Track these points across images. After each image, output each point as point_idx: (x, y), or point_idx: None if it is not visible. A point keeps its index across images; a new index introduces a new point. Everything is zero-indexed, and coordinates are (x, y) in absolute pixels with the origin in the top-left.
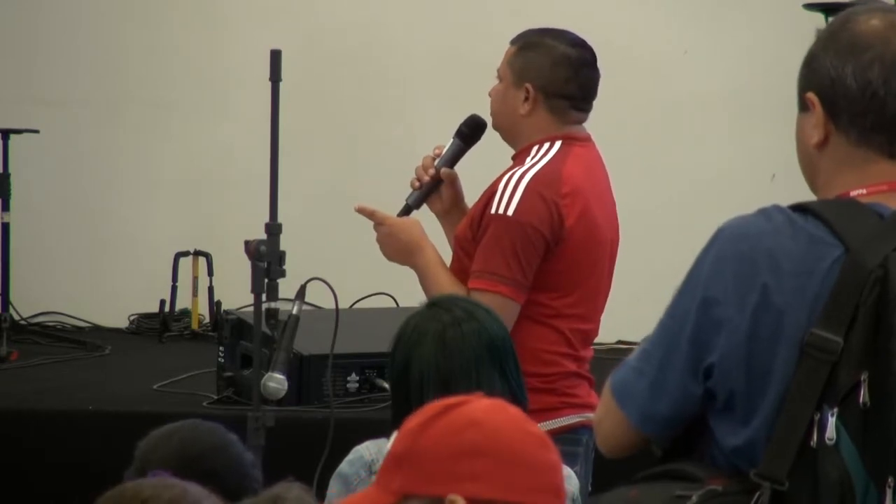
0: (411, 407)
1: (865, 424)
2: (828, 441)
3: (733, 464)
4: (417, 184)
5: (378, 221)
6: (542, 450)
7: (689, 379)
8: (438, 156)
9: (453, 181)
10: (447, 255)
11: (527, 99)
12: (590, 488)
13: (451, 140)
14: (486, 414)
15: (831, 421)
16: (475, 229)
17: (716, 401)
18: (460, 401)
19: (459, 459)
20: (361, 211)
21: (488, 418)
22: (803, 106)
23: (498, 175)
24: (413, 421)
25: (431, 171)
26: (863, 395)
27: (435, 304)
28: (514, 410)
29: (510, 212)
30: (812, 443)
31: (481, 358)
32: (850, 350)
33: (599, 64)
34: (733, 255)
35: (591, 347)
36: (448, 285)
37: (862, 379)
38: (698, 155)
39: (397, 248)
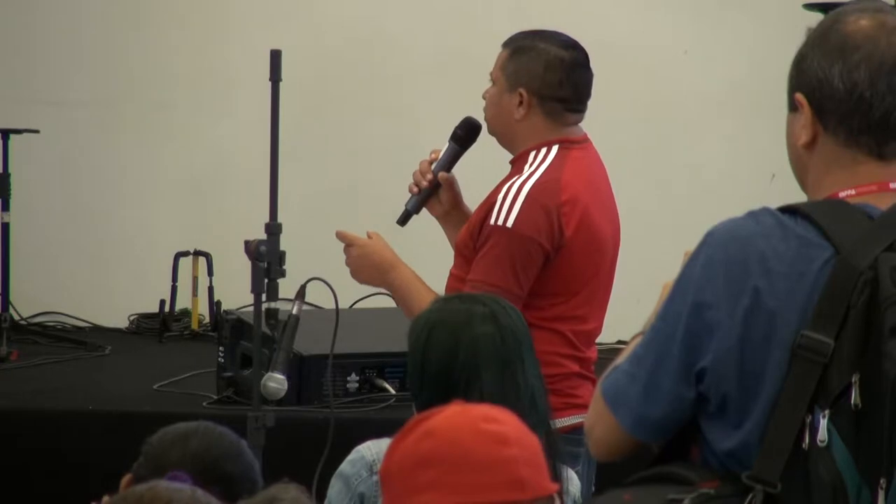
0: (454, 394)
1: (857, 426)
2: (819, 443)
3: (726, 466)
4: (416, 189)
5: (348, 243)
6: (496, 446)
7: (682, 383)
8: (435, 160)
9: (451, 184)
10: (449, 257)
11: (521, 103)
12: (592, 488)
13: (447, 144)
14: (443, 421)
15: (823, 423)
16: (475, 238)
17: (708, 404)
18: (428, 414)
19: (417, 471)
20: (339, 236)
21: (443, 425)
22: (792, 106)
23: (496, 178)
24: (392, 440)
25: (429, 176)
26: (854, 396)
27: (461, 297)
28: (475, 411)
29: (510, 223)
30: (804, 445)
31: (526, 342)
32: (841, 352)
33: (600, 64)
34: (724, 259)
35: (596, 348)
36: (429, 298)
37: (853, 381)
38: (698, 155)
39: (370, 268)
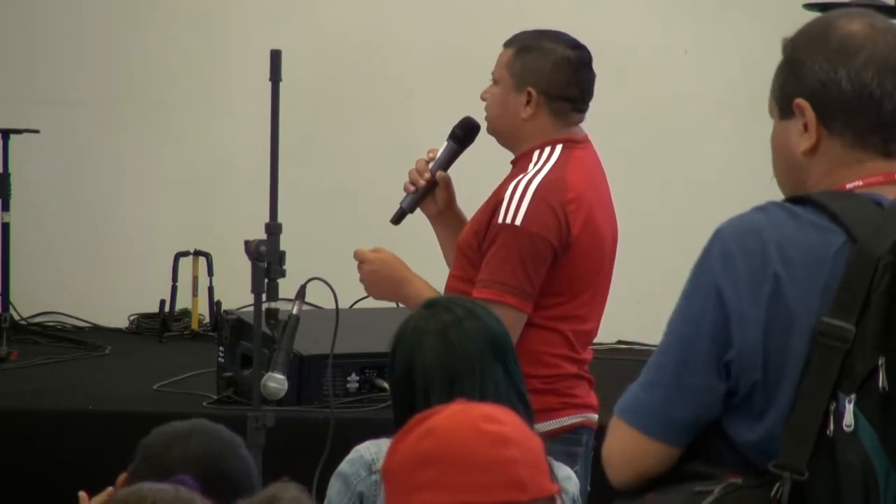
0: (415, 407)
1: (885, 409)
2: (846, 428)
3: (746, 460)
4: (412, 188)
5: (360, 260)
6: (496, 447)
7: (713, 377)
8: (432, 159)
9: (448, 184)
10: (437, 258)
11: (528, 102)
12: (588, 488)
13: (445, 143)
14: (443, 420)
15: (849, 408)
16: (481, 238)
17: (733, 397)
18: (429, 413)
19: (416, 470)
20: (355, 254)
21: (443, 424)
22: (785, 113)
23: (496, 178)
24: (394, 438)
25: (427, 175)
26: (882, 379)
27: (434, 305)
28: (476, 410)
29: (518, 221)
30: (829, 431)
31: (485, 354)
32: (864, 336)
33: (600, 64)
34: (741, 251)
35: (591, 349)
36: None
37: (879, 364)
38: (698, 155)
39: (384, 283)
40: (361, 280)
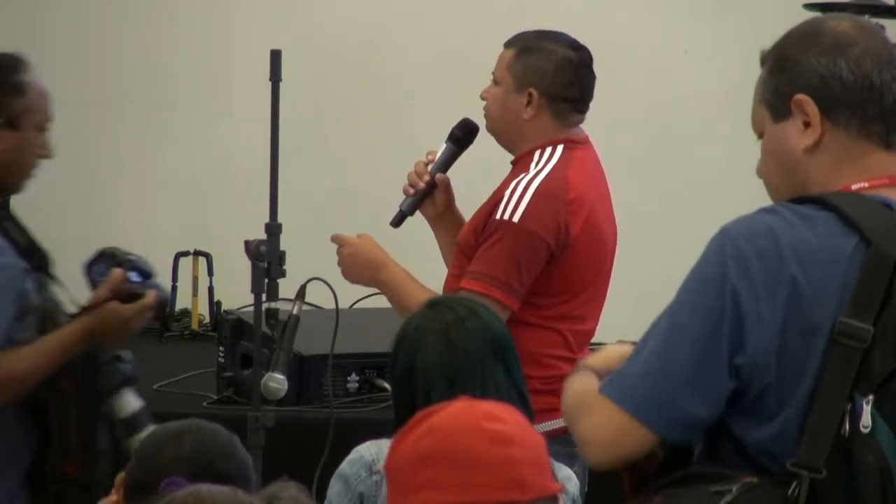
0: (416, 407)
1: None
2: (863, 429)
3: (755, 460)
4: (411, 190)
5: (340, 243)
6: (497, 446)
7: (725, 377)
8: (431, 161)
9: (447, 186)
10: (437, 258)
11: (529, 103)
12: (586, 488)
13: (444, 144)
14: (444, 419)
15: (866, 409)
16: (478, 235)
17: (744, 398)
18: (432, 410)
19: (417, 469)
20: (333, 238)
21: (445, 423)
22: (780, 115)
23: (495, 180)
24: (396, 436)
25: (427, 177)
26: None
27: (436, 304)
28: (479, 409)
29: (516, 218)
30: (844, 431)
31: (486, 354)
32: (884, 338)
33: (600, 64)
34: (756, 252)
35: (589, 350)
36: (421, 294)
37: None
38: (698, 155)
39: (361, 267)
40: (339, 263)
